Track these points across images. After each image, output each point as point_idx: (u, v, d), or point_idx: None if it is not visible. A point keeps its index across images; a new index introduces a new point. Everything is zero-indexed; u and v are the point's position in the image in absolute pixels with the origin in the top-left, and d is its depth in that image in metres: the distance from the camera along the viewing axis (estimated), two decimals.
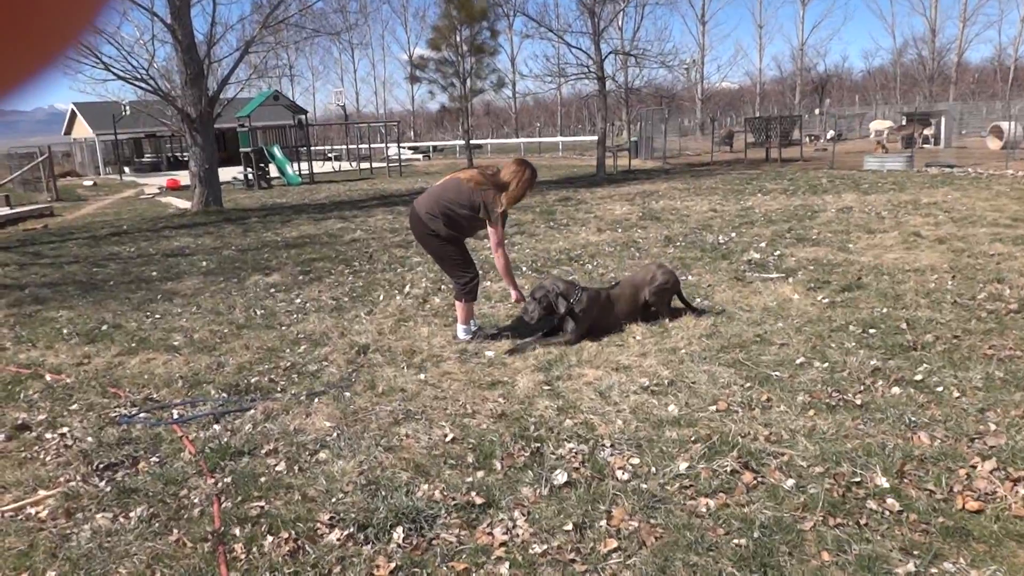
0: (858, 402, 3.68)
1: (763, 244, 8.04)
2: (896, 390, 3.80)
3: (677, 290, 5.36)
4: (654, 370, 4.28)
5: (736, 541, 2.55)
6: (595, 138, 22.24)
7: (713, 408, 3.70)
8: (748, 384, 3.99)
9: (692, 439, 3.34)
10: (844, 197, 11.73)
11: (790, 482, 2.92)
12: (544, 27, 21.67)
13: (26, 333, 5.96)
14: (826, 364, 4.24)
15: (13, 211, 16.01)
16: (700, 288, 6.24)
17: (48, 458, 3.56)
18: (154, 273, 8.53)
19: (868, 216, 9.59)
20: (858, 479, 2.92)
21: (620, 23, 26.98)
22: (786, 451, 3.19)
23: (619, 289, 5.27)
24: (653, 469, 3.10)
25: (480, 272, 5.33)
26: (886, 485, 2.86)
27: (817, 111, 43.28)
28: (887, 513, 2.69)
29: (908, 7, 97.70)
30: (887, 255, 7.11)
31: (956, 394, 3.72)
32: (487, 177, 4.89)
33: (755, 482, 2.95)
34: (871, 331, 4.79)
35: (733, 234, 8.83)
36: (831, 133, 25.12)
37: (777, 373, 4.13)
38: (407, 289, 6.85)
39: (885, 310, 5.24)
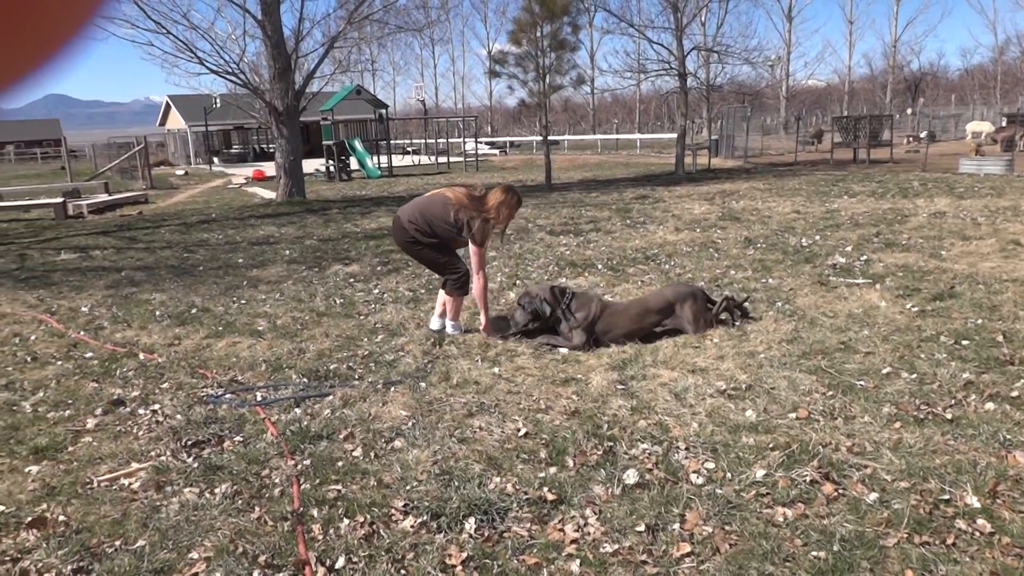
0: (948, 416, 3.52)
1: (849, 248, 7.78)
2: (990, 406, 3.62)
3: (705, 308, 5.08)
4: (731, 374, 4.19)
5: (814, 553, 2.48)
6: (674, 135, 21.91)
7: (793, 415, 3.61)
8: (830, 392, 3.87)
9: (770, 446, 3.26)
10: (937, 201, 11.23)
11: (873, 496, 2.82)
12: (626, 22, 21.40)
13: (122, 313, 6.27)
14: (914, 375, 4.07)
15: (111, 198, 16.86)
16: (781, 292, 6.08)
17: (141, 433, 3.74)
18: (240, 260, 8.85)
19: (963, 222, 9.16)
20: (946, 497, 2.80)
21: (703, 19, 26.51)
22: (869, 463, 3.08)
23: (623, 305, 5.18)
24: (729, 475, 3.04)
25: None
26: (977, 505, 2.73)
27: (909, 111, 41.54)
28: (977, 534, 2.56)
29: (1011, 2, 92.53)
30: (983, 263, 6.78)
31: None
32: (472, 200, 4.93)
33: (836, 494, 2.86)
34: (964, 343, 4.57)
35: (817, 237, 8.57)
36: (924, 134, 24.07)
37: (862, 382, 3.99)
38: None
39: (980, 321, 4.99)
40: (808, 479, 2.95)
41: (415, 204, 5.08)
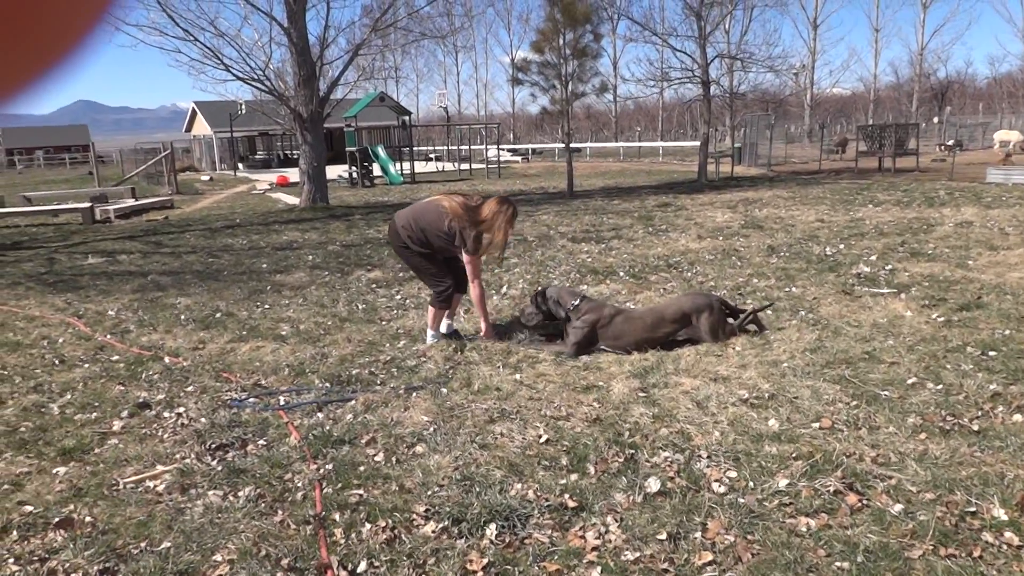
0: (975, 428, 3.48)
1: (874, 257, 7.70)
2: (1018, 417, 3.57)
3: (724, 318, 5.06)
4: (754, 382, 4.17)
5: (838, 564, 2.46)
6: (697, 143, 21.84)
7: (816, 425, 3.58)
8: (854, 402, 3.84)
9: (793, 455, 3.24)
10: (964, 211, 11.08)
11: (898, 507, 2.79)
12: (648, 30, 21.45)
13: (148, 317, 6.36)
14: (940, 386, 4.02)
15: (138, 203, 17.10)
16: (805, 301, 6.03)
17: (166, 435, 3.78)
18: (264, 265, 8.94)
19: (990, 231, 9.03)
20: (973, 509, 2.76)
21: (727, 26, 26.41)
22: (894, 474, 3.05)
23: (638, 312, 5.16)
24: (751, 484, 3.02)
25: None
26: (1004, 517, 2.69)
27: (936, 119, 41.07)
28: (1005, 547, 2.53)
29: None
30: (1011, 273, 6.68)
31: None
32: (467, 211, 4.91)
33: (860, 504, 2.83)
34: (991, 353, 4.51)
35: (841, 246, 8.50)
36: (951, 142, 23.77)
37: (886, 392, 3.95)
38: (504, 289, 6.92)
39: (1008, 332, 4.92)
40: (832, 489, 2.93)
41: (411, 210, 5.14)
